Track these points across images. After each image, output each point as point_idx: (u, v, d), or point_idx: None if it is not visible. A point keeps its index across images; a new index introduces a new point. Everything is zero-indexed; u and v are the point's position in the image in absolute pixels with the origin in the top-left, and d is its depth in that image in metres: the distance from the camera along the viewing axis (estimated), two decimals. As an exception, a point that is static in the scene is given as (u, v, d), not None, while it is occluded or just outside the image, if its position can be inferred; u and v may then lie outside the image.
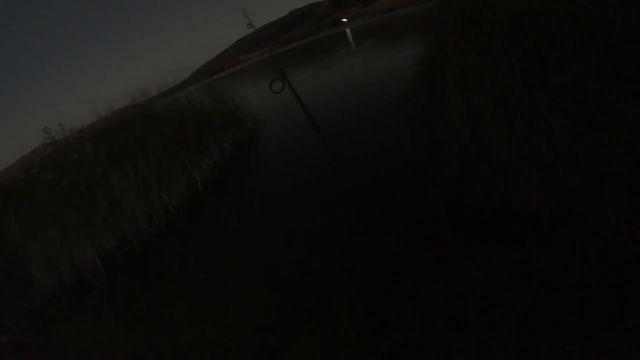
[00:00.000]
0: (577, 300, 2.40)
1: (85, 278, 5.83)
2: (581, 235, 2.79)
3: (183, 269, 5.19)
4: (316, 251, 4.26)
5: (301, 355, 2.99)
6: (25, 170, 9.79)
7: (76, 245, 6.12)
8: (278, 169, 7.46)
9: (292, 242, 4.67)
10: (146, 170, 7.76)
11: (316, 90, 14.12)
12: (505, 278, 2.82)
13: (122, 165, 7.82)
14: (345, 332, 3.00)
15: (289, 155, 8.01)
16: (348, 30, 67.42)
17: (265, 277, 4.20)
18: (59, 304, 5.52)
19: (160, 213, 7.20)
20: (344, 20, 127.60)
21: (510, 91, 4.05)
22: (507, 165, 3.60)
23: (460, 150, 4.45)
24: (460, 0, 8.17)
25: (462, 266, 3.14)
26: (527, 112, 3.63)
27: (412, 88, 8.50)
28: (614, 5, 3.62)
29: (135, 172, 7.65)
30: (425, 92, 7.50)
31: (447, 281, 3.07)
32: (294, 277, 3.98)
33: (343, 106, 10.15)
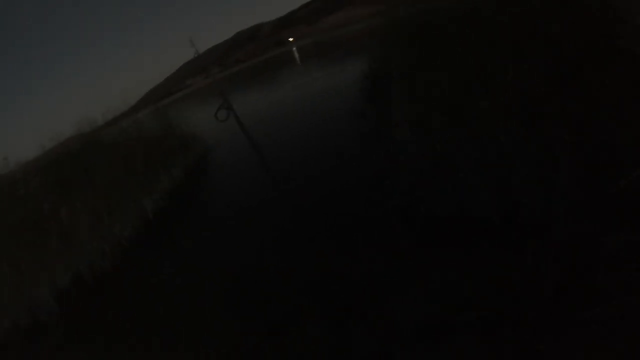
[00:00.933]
0: (537, 295, 2.60)
1: (40, 317, 5.72)
2: (534, 232, 3.05)
3: (139, 299, 5.18)
4: (276, 266, 4.42)
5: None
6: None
7: (29, 284, 6.00)
8: (229, 191, 7.57)
9: (251, 259, 4.80)
10: (96, 202, 7.69)
11: (264, 112, 14.25)
12: (466, 281, 3.01)
13: (70, 198, 7.72)
14: (312, 345, 3.14)
15: (240, 177, 8.14)
16: (294, 49, 68.24)
17: (228, 296, 4.31)
18: (16, 347, 5.37)
19: (112, 245, 7.13)
20: (291, 39, 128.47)
21: (455, 98, 4.32)
22: (458, 169, 3.82)
23: (411, 159, 4.63)
24: (402, 16, 8.61)
25: (423, 273, 3.32)
26: (472, 117, 3.89)
27: (360, 103, 8.83)
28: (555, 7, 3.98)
29: (85, 204, 7.57)
30: (373, 106, 7.81)
31: (410, 288, 3.24)
32: (253, 295, 4.11)
33: (293, 126, 10.39)
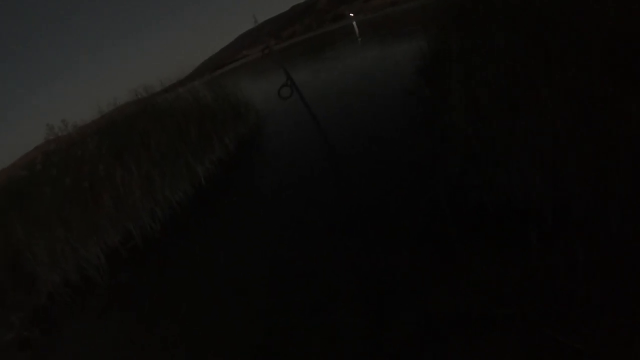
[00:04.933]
0: (582, 296, 2.38)
1: (89, 275, 5.83)
2: (584, 230, 2.77)
3: (187, 264, 5.17)
4: (319, 248, 4.23)
5: (303, 354, 2.97)
6: (28, 167, 9.78)
7: (80, 243, 6.12)
8: (282, 165, 7.40)
9: (296, 238, 4.63)
10: (149, 166, 7.74)
11: (322, 88, 13.84)
12: (508, 275, 2.79)
13: (125, 162, 7.81)
14: (347, 331, 2.98)
15: (293, 151, 7.96)
16: (354, 23, 67.95)
17: (270, 272, 4.17)
18: (65, 301, 5.52)
19: (163, 209, 7.18)
20: (351, 14, 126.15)
21: (513, 85, 4.01)
22: (510, 159, 3.54)
23: (463, 145, 4.36)
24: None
25: (465, 263, 3.11)
26: (530, 106, 3.59)
27: (416, 83, 8.44)
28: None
29: (139, 168, 7.64)
30: (429, 87, 7.46)
31: (450, 279, 3.03)
32: (299, 274, 3.95)
33: (348, 103, 10.04)
